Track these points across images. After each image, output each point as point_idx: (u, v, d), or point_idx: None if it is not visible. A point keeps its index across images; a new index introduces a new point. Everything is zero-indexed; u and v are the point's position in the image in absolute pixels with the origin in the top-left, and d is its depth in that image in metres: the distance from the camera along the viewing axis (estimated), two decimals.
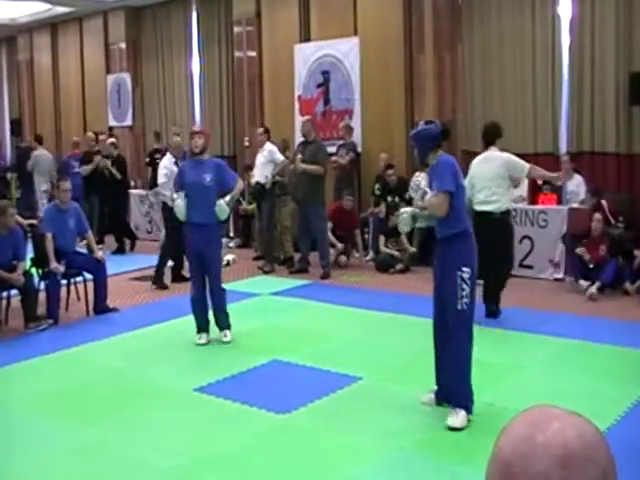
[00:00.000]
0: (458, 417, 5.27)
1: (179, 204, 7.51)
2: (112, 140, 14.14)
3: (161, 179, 10.28)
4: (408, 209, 5.96)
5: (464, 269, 5.30)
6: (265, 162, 11.20)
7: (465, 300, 5.30)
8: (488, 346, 6.98)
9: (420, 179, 5.70)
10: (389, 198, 11.46)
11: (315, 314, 8.72)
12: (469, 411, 5.32)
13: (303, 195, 10.78)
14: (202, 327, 7.66)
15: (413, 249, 11.06)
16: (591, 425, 1.15)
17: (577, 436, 1.11)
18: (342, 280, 10.49)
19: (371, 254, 11.59)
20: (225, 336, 7.65)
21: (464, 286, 5.29)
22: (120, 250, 13.38)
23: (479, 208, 7.90)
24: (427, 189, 5.52)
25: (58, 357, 7.33)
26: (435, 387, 5.68)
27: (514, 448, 1.13)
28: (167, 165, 10.31)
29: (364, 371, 6.50)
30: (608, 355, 6.84)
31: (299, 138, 11.72)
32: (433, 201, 5.40)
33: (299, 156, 10.77)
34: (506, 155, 8.10)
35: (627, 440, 4.76)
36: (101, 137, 14.59)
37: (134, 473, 4.79)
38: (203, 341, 7.59)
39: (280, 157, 11.23)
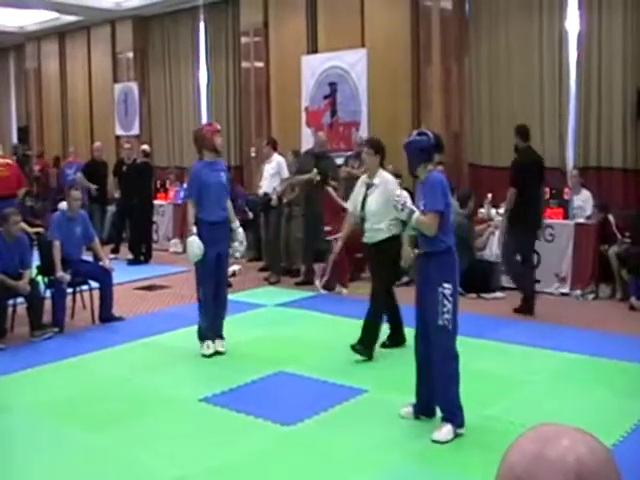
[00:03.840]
0: (442, 431, 5.29)
1: (196, 241, 7.30)
2: (144, 147, 14.17)
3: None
4: (400, 214, 5.67)
5: (446, 285, 5.29)
6: (274, 173, 11.26)
7: (446, 316, 5.30)
8: (493, 360, 7.00)
9: (404, 198, 5.58)
10: None
11: (320, 326, 8.71)
12: (457, 425, 5.32)
13: (314, 207, 10.76)
14: (209, 335, 7.56)
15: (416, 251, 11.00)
16: (599, 442, 1.16)
17: (589, 452, 1.12)
18: (347, 292, 10.48)
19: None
20: (222, 346, 7.58)
21: (445, 302, 5.29)
22: (136, 260, 13.33)
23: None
24: (414, 208, 5.39)
25: (64, 365, 7.33)
26: (414, 400, 5.70)
27: (526, 466, 1.13)
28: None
29: (369, 383, 6.50)
30: (614, 370, 6.82)
31: (306, 149, 11.76)
32: (423, 220, 5.34)
33: (315, 170, 10.74)
34: None
35: (633, 457, 4.74)
36: (126, 146, 14.58)
37: None
38: (212, 351, 7.51)
39: (285, 173, 11.27)
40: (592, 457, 1.11)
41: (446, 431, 5.28)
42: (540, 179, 9.32)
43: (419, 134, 5.63)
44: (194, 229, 7.31)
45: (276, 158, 11.37)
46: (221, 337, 7.62)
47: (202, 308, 7.55)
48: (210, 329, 7.57)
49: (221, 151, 7.71)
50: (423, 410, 5.62)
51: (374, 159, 7.33)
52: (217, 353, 7.51)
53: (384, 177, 7.30)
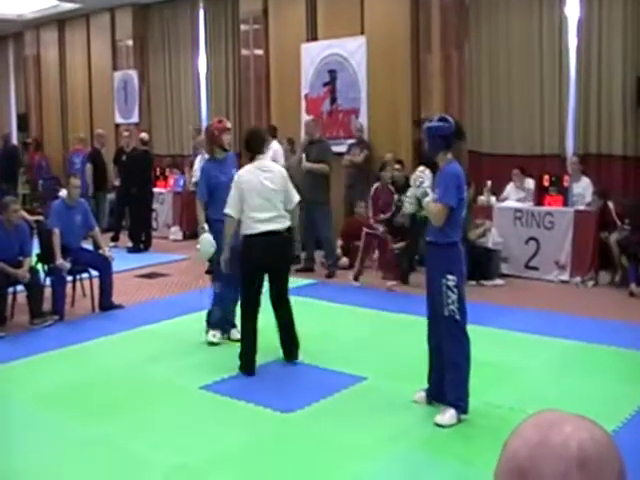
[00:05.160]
0: (445, 415, 5.34)
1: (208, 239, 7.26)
2: (142, 135, 14.15)
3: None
4: (416, 190, 5.64)
5: (449, 277, 5.32)
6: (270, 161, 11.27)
7: (452, 307, 5.34)
8: (493, 347, 7.00)
9: (424, 177, 5.58)
10: (396, 197, 11.40)
11: (320, 313, 8.70)
12: (461, 411, 5.37)
13: (308, 194, 10.77)
14: (219, 325, 7.55)
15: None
16: (601, 428, 1.16)
17: (591, 438, 1.12)
18: (347, 279, 10.47)
19: (376, 253, 11.54)
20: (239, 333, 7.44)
21: (450, 293, 5.33)
22: (136, 248, 13.32)
23: (263, 228, 6.47)
24: (429, 190, 5.41)
25: (63, 353, 7.34)
26: (427, 385, 5.74)
27: (529, 452, 1.13)
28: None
29: (369, 371, 6.51)
30: (613, 357, 6.84)
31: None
32: (432, 208, 5.36)
33: (303, 155, 10.79)
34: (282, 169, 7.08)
35: (634, 442, 4.74)
36: (125, 134, 14.55)
37: (139, 469, 4.81)
38: (218, 340, 7.48)
39: (281, 161, 11.25)
40: (594, 443, 1.12)
41: (449, 416, 5.31)
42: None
43: (440, 119, 5.52)
44: (206, 226, 7.31)
45: (273, 146, 11.35)
46: (235, 325, 7.58)
47: (221, 299, 7.47)
48: (224, 319, 7.54)
49: (229, 149, 7.62)
50: (435, 396, 5.63)
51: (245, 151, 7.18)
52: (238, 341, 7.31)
53: (238, 172, 6.85)
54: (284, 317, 6.75)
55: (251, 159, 6.72)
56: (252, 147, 6.78)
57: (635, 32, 10.14)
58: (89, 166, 14.67)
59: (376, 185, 10.56)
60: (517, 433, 1.18)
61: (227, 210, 6.53)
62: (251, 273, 6.60)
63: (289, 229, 6.68)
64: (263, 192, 6.49)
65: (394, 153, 11.97)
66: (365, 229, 10.27)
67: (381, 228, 10.26)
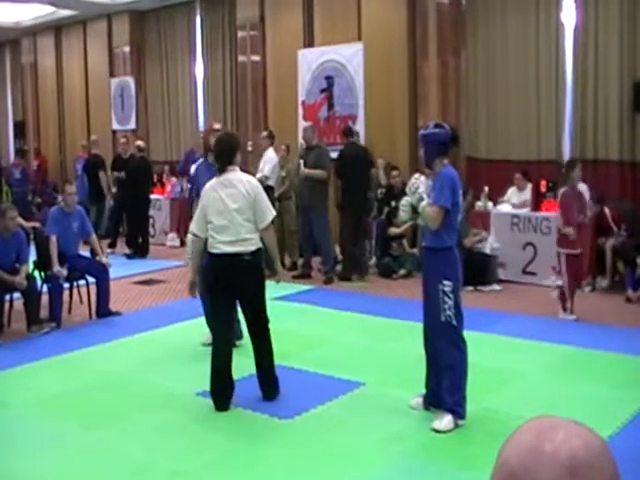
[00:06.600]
0: (443, 421, 5.34)
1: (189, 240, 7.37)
2: (138, 143, 14.17)
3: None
4: (411, 197, 5.70)
5: (445, 282, 5.34)
6: (261, 168, 11.29)
7: (448, 312, 5.35)
8: (490, 352, 7.01)
9: (419, 182, 5.61)
10: (393, 203, 11.42)
11: (318, 319, 8.71)
12: (459, 416, 5.37)
13: (306, 200, 10.81)
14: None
15: (414, 251, 10.97)
16: (595, 435, 1.15)
17: (583, 445, 1.12)
18: (345, 285, 10.48)
19: (374, 259, 11.56)
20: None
21: (446, 299, 5.35)
22: (134, 255, 13.32)
23: (225, 249, 5.83)
24: (424, 195, 5.44)
25: (61, 360, 7.34)
26: (424, 391, 5.74)
27: (521, 459, 1.13)
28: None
29: (367, 377, 6.51)
30: (610, 362, 6.83)
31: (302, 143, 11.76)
32: (428, 211, 5.38)
33: (301, 161, 10.81)
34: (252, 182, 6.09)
35: (630, 448, 4.76)
36: (122, 140, 14.56)
37: (136, 475, 4.81)
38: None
39: (266, 171, 11.22)
40: (587, 451, 1.11)
41: (447, 421, 5.31)
42: (364, 168, 10.83)
43: (436, 126, 5.55)
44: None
45: (268, 153, 11.39)
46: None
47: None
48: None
49: None
50: (432, 401, 5.64)
51: None
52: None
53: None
54: (260, 349, 6.20)
55: (220, 171, 5.99)
56: (218, 157, 6.07)
57: (631, 37, 10.16)
58: (102, 174, 14.67)
59: (564, 189, 8.73)
60: (511, 439, 1.18)
61: (192, 227, 6.07)
62: (216, 296, 6.04)
63: (256, 251, 5.93)
64: (224, 212, 5.82)
65: (391, 159, 11.97)
66: (563, 249, 8.56)
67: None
